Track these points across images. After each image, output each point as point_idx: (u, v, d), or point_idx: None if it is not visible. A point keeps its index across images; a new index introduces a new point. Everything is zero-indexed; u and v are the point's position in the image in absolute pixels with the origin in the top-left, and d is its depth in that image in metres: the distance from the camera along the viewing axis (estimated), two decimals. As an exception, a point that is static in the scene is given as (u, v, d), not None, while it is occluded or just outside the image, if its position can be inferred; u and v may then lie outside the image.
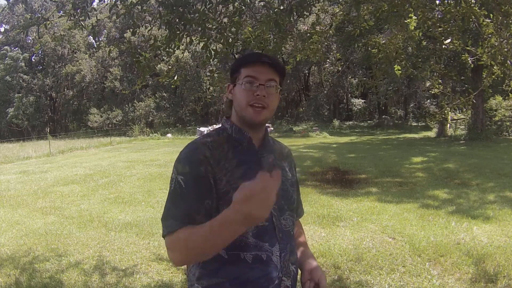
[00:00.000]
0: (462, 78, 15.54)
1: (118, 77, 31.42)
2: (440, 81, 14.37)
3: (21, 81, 34.20)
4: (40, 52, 35.90)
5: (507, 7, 3.07)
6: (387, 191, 6.74)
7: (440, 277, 3.22)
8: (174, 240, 1.08)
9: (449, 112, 14.90)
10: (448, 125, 18.29)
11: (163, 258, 3.87)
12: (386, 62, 4.43)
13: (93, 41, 34.77)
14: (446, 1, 3.56)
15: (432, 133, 19.62)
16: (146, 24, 21.28)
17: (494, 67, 3.97)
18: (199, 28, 3.06)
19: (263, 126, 1.25)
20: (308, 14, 3.15)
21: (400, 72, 4.03)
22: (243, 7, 3.27)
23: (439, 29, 3.73)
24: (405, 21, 3.47)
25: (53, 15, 3.28)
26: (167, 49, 3.27)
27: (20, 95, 33.46)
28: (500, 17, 3.28)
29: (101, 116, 30.73)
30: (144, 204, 6.27)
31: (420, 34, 4.13)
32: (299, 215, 1.44)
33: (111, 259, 3.89)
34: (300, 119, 30.15)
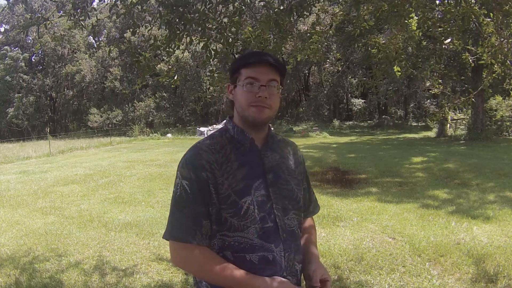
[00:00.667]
0: (462, 78, 15.54)
1: (118, 77, 31.42)
2: (440, 81, 14.34)
3: (21, 81, 34.19)
4: (40, 52, 35.89)
5: (507, 6, 3.06)
6: (387, 191, 6.74)
7: (440, 277, 3.22)
8: (185, 255, 1.14)
9: (449, 112, 14.88)
10: (448, 125, 18.27)
11: (163, 258, 3.87)
12: (386, 62, 4.42)
13: (93, 41, 34.78)
14: (446, 1, 3.56)
15: (432, 133, 19.62)
16: (146, 24, 21.28)
17: (495, 67, 3.97)
18: (199, 28, 3.06)
19: (266, 126, 1.25)
20: (308, 14, 3.15)
21: (399, 73, 4.03)
22: (243, 7, 3.27)
23: (439, 29, 3.73)
24: (406, 21, 3.47)
25: (53, 15, 3.28)
26: (167, 49, 3.27)
27: (20, 95, 33.45)
28: (501, 17, 3.28)
29: (101, 116, 30.72)
30: (144, 204, 6.27)
31: (420, 34, 4.12)
32: (313, 212, 1.44)
33: (111, 259, 3.88)
34: (300, 119, 30.14)
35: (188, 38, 3.25)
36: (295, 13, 3.06)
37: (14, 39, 35.96)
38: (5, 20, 36.28)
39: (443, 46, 4.06)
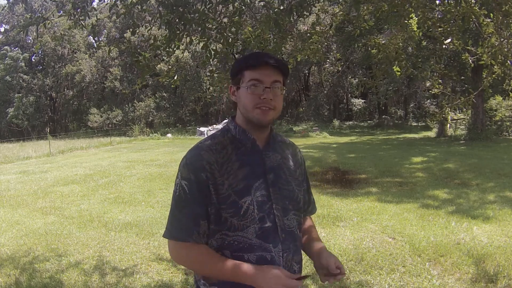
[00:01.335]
0: (462, 78, 15.53)
1: (118, 77, 31.41)
2: (440, 81, 14.36)
3: (21, 81, 34.18)
4: (40, 52, 35.89)
5: (507, 6, 3.06)
6: (387, 191, 6.74)
7: (440, 277, 3.22)
8: (185, 253, 1.17)
9: (449, 112, 14.89)
10: (448, 125, 18.27)
11: (163, 258, 3.87)
12: (386, 62, 4.42)
13: (93, 41, 34.75)
14: (446, 1, 3.56)
15: (432, 133, 19.62)
16: (146, 24, 21.29)
17: (495, 67, 3.97)
18: (199, 28, 3.06)
19: (269, 126, 1.26)
20: (308, 14, 3.15)
21: (399, 73, 4.03)
22: (243, 7, 3.27)
23: (439, 29, 3.73)
24: (406, 21, 3.47)
25: (53, 15, 3.28)
26: (167, 49, 3.27)
27: (20, 95, 33.45)
28: (501, 17, 3.28)
29: (101, 116, 30.72)
30: (144, 204, 6.27)
31: (420, 34, 4.13)
32: (311, 212, 1.46)
33: (111, 259, 3.88)
34: (300, 119, 30.14)
35: (188, 38, 3.25)
36: (295, 13, 3.06)
37: (14, 39, 35.96)
38: (5, 20, 36.27)
39: (443, 46, 4.06)
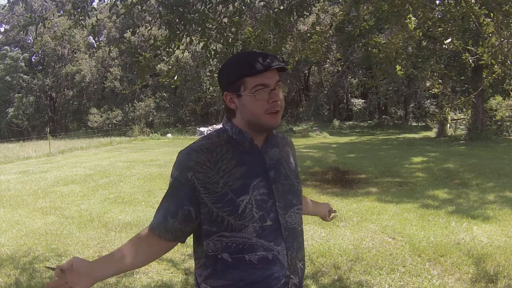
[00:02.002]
0: (462, 78, 15.53)
1: (118, 77, 31.42)
2: (440, 81, 14.36)
3: (21, 81, 34.18)
4: (40, 52, 35.89)
5: (507, 6, 3.06)
6: (387, 191, 6.74)
7: (440, 277, 3.22)
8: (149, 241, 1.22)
9: (449, 112, 14.90)
10: (448, 125, 18.28)
11: (163, 258, 3.87)
12: (386, 62, 4.43)
13: (93, 41, 34.79)
14: (446, 1, 3.56)
15: (432, 133, 19.62)
16: (146, 24, 21.27)
17: (495, 67, 3.97)
18: (199, 28, 3.07)
19: None
20: (308, 14, 3.15)
21: (401, 72, 4.04)
22: (243, 7, 3.27)
23: (439, 29, 3.73)
24: (406, 21, 3.47)
25: (53, 14, 3.28)
26: (167, 49, 3.27)
27: (20, 95, 33.45)
28: (501, 17, 3.28)
29: (101, 116, 30.72)
30: (144, 204, 6.27)
31: (420, 34, 4.13)
32: None
33: (111, 259, 3.88)
34: (300, 119, 30.14)
35: (188, 38, 3.25)
36: (295, 13, 3.06)
37: (14, 39, 35.96)
38: (5, 20, 36.28)
39: (443, 46, 4.06)
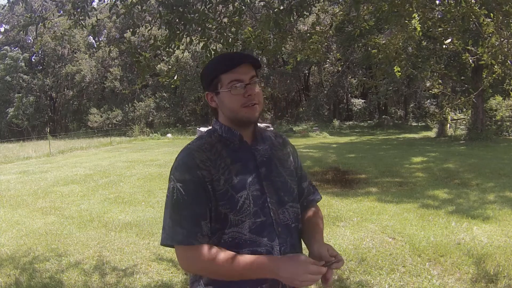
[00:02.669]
0: (462, 78, 15.54)
1: (118, 77, 31.40)
2: (440, 81, 14.38)
3: (21, 81, 34.17)
4: (40, 52, 35.87)
5: (507, 6, 3.06)
6: (387, 191, 6.74)
7: (440, 277, 3.22)
8: (193, 255, 1.12)
9: (449, 112, 14.90)
10: (448, 125, 18.28)
11: (163, 258, 3.87)
12: (386, 62, 4.43)
13: (93, 41, 34.77)
14: (446, 1, 3.56)
15: (432, 133, 19.62)
16: (146, 24, 21.26)
17: (495, 67, 3.97)
18: (199, 28, 3.06)
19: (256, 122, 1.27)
20: (308, 14, 3.15)
21: (400, 73, 4.04)
22: (243, 7, 3.27)
23: (439, 29, 3.73)
24: (406, 21, 3.47)
25: (53, 15, 3.28)
26: (167, 49, 3.27)
27: (20, 95, 33.43)
28: (501, 17, 3.28)
29: (101, 116, 30.71)
30: (144, 204, 6.27)
31: (420, 34, 4.13)
32: (314, 200, 1.41)
33: (111, 259, 3.88)
34: (300, 119, 30.14)
35: (188, 38, 3.25)
36: (295, 13, 3.06)
37: (14, 39, 35.95)
38: (5, 20, 36.27)
39: (443, 46, 4.06)
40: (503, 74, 4.22)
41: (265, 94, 1.28)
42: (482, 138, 14.53)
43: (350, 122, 29.14)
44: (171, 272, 3.52)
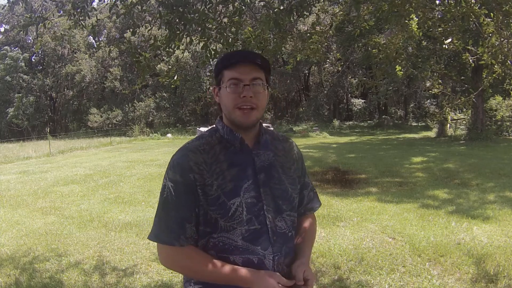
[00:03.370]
0: (462, 78, 15.53)
1: (118, 77, 31.41)
2: (440, 81, 14.38)
3: (21, 81, 34.17)
4: (40, 52, 35.87)
5: (507, 6, 3.06)
6: (387, 191, 6.74)
7: (440, 277, 3.22)
8: (172, 256, 1.16)
9: (449, 112, 14.90)
10: (448, 125, 18.28)
11: (163, 258, 3.87)
12: (386, 62, 4.42)
13: (93, 41, 34.77)
14: (446, 1, 3.56)
15: (432, 133, 19.62)
16: (146, 24, 21.28)
17: (495, 67, 3.97)
18: (199, 28, 3.06)
19: (256, 125, 1.22)
20: (308, 14, 3.15)
21: (401, 72, 4.04)
22: (243, 7, 3.27)
23: (439, 29, 3.73)
24: (406, 21, 3.47)
25: (53, 15, 3.28)
26: (167, 49, 3.27)
27: (20, 95, 33.43)
28: (501, 17, 3.28)
29: (101, 116, 30.71)
30: (144, 204, 6.27)
31: (420, 34, 4.13)
32: (312, 209, 1.39)
33: (111, 259, 3.88)
34: (300, 119, 30.14)
35: (188, 38, 3.25)
36: (295, 13, 3.05)
37: (14, 39, 35.95)
38: (5, 20, 36.27)
39: (443, 46, 4.06)
40: (503, 74, 4.22)
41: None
42: (482, 138, 14.53)
43: (350, 122, 29.15)
44: (171, 272, 3.51)
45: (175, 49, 3.30)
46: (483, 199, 5.87)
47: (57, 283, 3.36)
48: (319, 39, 4.12)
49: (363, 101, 31.04)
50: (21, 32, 3.05)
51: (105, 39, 33.72)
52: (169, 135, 25.19)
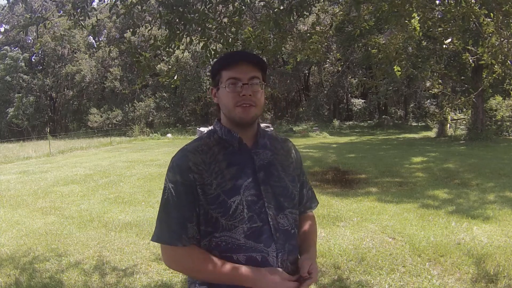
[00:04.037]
0: (462, 78, 15.54)
1: (118, 77, 31.41)
2: (440, 81, 14.38)
3: (21, 81, 34.17)
4: (40, 52, 35.87)
5: (507, 6, 3.06)
6: (387, 191, 6.74)
7: (440, 277, 3.22)
8: (175, 256, 1.16)
9: (449, 112, 14.90)
10: (448, 125, 18.28)
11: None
12: (386, 62, 4.43)
13: (93, 41, 34.78)
14: (446, 1, 3.56)
15: (432, 133, 19.63)
16: (146, 24, 21.27)
17: (495, 67, 3.97)
18: (199, 28, 3.06)
19: (255, 124, 1.24)
20: (308, 14, 3.15)
21: (400, 73, 4.04)
22: (243, 7, 3.27)
23: (439, 29, 3.73)
24: (406, 21, 3.47)
25: (53, 15, 3.28)
26: (167, 49, 3.27)
27: (20, 95, 33.44)
28: (501, 17, 3.28)
29: (101, 116, 30.71)
30: (144, 204, 6.27)
31: (420, 34, 4.13)
32: (310, 208, 1.41)
33: (111, 259, 3.88)
34: (300, 119, 30.14)
35: (188, 38, 3.25)
36: (295, 13, 3.06)
37: (14, 39, 35.96)
38: (5, 20, 36.26)
39: (443, 46, 4.06)
40: (503, 74, 4.22)
41: (265, 94, 1.26)
42: (482, 138, 14.54)
43: (350, 122, 29.15)
44: (171, 272, 3.51)
45: (175, 49, 3.31)
46: (483, 199, 5.87)
47: (57, 283, 3.36)
48: (319, 39, 4.12)
49: (363, 101, 31.04)
50: (21, 32, 3.05)
51: (105, 39, 33.74)
52: (169, 135, 25.19)
